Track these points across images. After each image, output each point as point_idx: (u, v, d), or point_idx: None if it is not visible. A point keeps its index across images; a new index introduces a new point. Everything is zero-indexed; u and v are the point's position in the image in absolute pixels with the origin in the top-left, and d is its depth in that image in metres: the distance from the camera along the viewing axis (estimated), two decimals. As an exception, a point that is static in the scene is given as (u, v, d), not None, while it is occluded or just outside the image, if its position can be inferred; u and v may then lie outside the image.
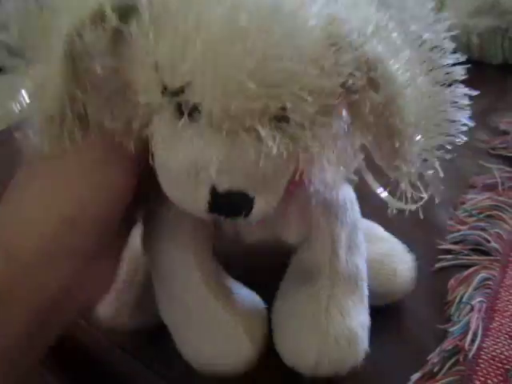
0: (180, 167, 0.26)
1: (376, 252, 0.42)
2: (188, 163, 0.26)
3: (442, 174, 0.31)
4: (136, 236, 0.39)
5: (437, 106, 0.30)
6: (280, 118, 0.26)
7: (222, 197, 0.26)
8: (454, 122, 0.30)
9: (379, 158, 0.32)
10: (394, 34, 0.27)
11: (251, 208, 0.27)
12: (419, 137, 0.29)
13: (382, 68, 0.26)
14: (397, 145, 0.28)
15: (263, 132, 0.25)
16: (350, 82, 0.26)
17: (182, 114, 0.26)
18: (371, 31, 0.26)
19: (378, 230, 0.48)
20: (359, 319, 0.37)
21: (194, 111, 0.26)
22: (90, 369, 0.51)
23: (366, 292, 0.39)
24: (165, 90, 0.26)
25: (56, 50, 0.25)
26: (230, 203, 0.27)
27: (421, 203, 0.34)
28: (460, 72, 0.30)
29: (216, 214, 0.27)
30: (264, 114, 0.25)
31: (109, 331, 0.45)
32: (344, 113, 0.30)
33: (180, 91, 0.25)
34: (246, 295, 0.39)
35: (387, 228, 0.52)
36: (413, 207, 0.34)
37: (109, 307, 0.41)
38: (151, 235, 0.38)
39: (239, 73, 0.23)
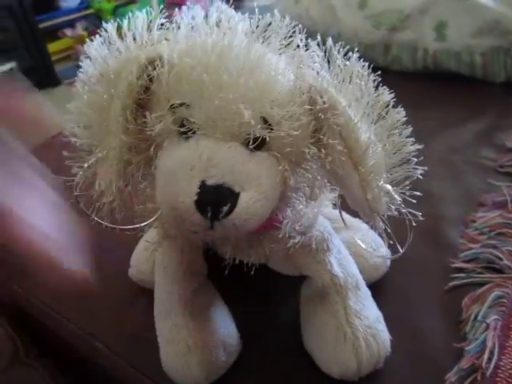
0: (178, 164, 0.31)
1: (353, 237, 0.50)
2: (184, 160, 0.31)
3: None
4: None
5: (390, 150, 0.36)
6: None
7: (210, 189, 0.29)
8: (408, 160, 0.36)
9: (352, 201, 0.37)
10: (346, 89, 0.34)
11: (235, 203, 0.29)
12: (382, 179, 0.35)
13: (332, 99, 0.32)
14: (362, 170, 0.33)
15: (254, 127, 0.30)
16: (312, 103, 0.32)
17: (182, 134, 0.32)
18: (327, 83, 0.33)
19: (359, 222, 0.54)
20: (373, 315, 0.44)
21: (191, 131, 0.32)
22: (82, 370, 0.54)
23: (367, 288, 0.46)
24: (171, 108, 0.32)
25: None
26: (216, 196, 0.29)
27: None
28: (402, 115, 0.36)
29: (204, 207, 0.29)
30: (246, 125, 0.30)
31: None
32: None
33: (182, 106, 0.31)
34: (223, 326, 0.45)
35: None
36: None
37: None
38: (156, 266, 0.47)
39: (227, 92, 0.30)
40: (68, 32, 2.79)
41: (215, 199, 0.29)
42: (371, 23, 1.03)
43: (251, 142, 0.31)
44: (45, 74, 2.40)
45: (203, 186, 0.29)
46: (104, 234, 0.65)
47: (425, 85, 0.97)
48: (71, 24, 2.81)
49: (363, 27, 1.04)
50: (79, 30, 2.81)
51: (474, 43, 0.92)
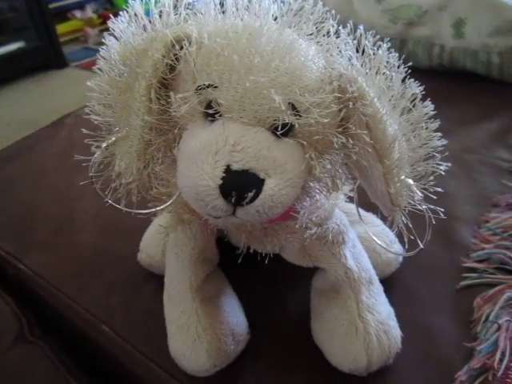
0: (202, 147, 0.30)
1: (367, 232, 0.48)
2: (209, 143, 0.30)
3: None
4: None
5: (416, 144, 0.35)
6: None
7: (234, 174, 0.28)
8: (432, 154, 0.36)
9: (373, 194, 0.36)
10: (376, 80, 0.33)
11: (260, 190, 0.29)
12: (404, 173, 0.34)
13: (361, 89, 0.31)
14: (387, 163, 0.32)
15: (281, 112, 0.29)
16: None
17: (208, 117, 0.31)
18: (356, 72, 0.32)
19: (372, 217, 0.53)
20: (385, 311, 0.43)
21: (217, 114, 0.31)
22: (87, 352, 0.54)
23: (379, 284, 0.45)
24: (197, 89, 0.31)
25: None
26: (241, 181, 0.29)
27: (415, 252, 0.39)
28: (430, 109, 0.35)
29: (228, 192, 0.28)
30: (275, 110, 0.29)
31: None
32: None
33: (209, 88, 0.30)
34: (232, 315, 0.45)
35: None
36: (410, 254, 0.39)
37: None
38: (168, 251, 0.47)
39: (257, 75, 0.29)
40: (77, 14, 2.76)
41: (240, 185, 0.28)
42: (388, 17, 1.02)
43: (279, 127, 0.30)
44: (52, 56, 2.38)
45: (228, 170, 0.28)
46: (113, 217, 0.64)
47: (439, 82, 0.96)
48: (81, 6, 2.79)
49: (380, 21, 1.03)
50: (89, 12, 2.79)
51: (492, 42, 0.91)
